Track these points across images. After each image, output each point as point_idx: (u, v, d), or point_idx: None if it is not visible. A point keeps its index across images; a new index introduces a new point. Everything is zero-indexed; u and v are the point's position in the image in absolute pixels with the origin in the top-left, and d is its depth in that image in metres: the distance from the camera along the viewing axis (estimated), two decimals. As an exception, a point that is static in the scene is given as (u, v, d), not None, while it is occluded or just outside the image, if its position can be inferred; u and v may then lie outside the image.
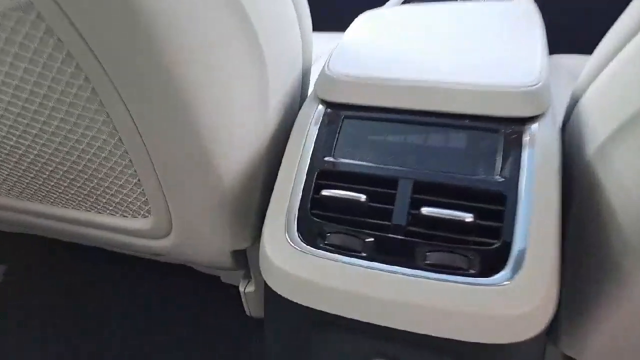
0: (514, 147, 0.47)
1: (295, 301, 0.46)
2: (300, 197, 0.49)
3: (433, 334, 0.42)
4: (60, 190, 0.57)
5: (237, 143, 0.49)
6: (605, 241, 0.44)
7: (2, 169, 0.57)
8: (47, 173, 0.54)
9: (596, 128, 0.46)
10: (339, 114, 0.53)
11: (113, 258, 0.93)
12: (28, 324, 0.96)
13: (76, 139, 0.48)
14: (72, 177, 0.54)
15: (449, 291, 0.42)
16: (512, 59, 0.52)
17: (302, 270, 0.45)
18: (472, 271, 0.42)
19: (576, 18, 1.13)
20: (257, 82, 0.49)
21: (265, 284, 0.49)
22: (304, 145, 0.52)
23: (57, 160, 0.52)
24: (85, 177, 0.53)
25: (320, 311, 0.45)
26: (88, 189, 0.55)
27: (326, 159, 0.50)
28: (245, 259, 0.65)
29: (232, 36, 0.44)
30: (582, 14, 1.12)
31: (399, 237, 0.45)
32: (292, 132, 0.54)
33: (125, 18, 0.36)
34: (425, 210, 0.45)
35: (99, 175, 0.52)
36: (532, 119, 0.48)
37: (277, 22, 0.51)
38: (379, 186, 0.47)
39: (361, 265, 0.44)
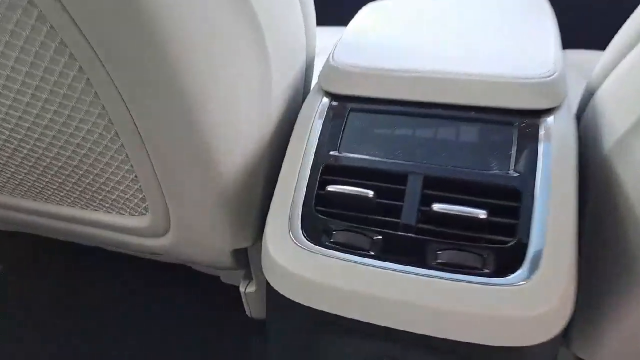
0: (529, 141, 0.45)
1: (298, 302, 0.45)
2: (304, 193, 0.48)
3: (444, 337, 0.41)
4: (54, 187, 0.56)
5: (238, 137, 0.48)
6: (623, 235, 0.43)
7: None
8: (40, 169, 0.53)
9: (614, 121, 0.44)
10: (345, 107, 0.52)
11: (110, 257, 0.93)
12: (23, 325, 0.95)
13: (70, 132, 0.47)
14: (66, 173, 0.53)
15: (461, 292, 0.40)
16: (524, 49, 0.51)
17: (306, 269, 0.44)
18: (486, 271, 0.41)
19: (578, 14, 1.13)
20: (260, 75, 0.48)
21: (268, 284, 0.48)
22: (308, 139, 0.51)
23: (51, 155, 0.51)
24: (81, 173, 0.52)
25: (325, 312, 0.44)
26: (83, 186, 0.54)
27: (331, 153, 0.49)
28: (246, 258, 0.64)
29: (235, 27, 0.43)
30: (584, 10, 1.12)
31: (409, 235, 0.44)
32: (295, 126, 0.53)
33: (125, 8, 0.35)
34: (436, 206, 0.43)
35: (95, 171, 0.52)
36: (547, 112, 0.47)
37: (280, 14, 0.50)
38: (388, 182, 0.46)
39: (368, 265, 0.43)
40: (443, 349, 0.43)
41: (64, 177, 0.54)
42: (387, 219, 0.45)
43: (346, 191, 0.46)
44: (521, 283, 0.40)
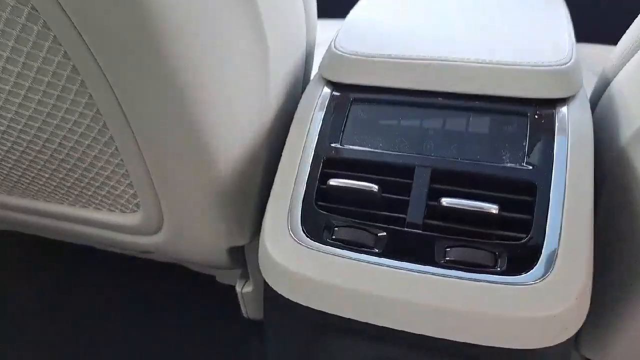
0: (543, 132, 0.45)
1: (297, 302, 0.44)
2: (304, 187, 0.47)
3: (453, 339, 0.40)
4: (41, 183, 0.55)
5: (234, 129, 0.47)
6: (639, 229, 0.42)
7: None
8: (26, 163, 0.52)
9: (632, 112, 0.44)
10: (347, 96, 0.51)
11: (102, 257, 0.92)
12: (15, 325, 0.95)
13: (56, 123, 0.46)
14: (53, 167, 0.52)
15: (472, 291, 0.39)
16: (537, 36, 0.50)
17: (306, 267, 0.43)
18: (498, 269, 0.40)
19: (581, 8, 1.14)
20: (257, 63, 0.47)
21: (265, 283, 0.47)
22: (309, 130, 0.49)
23: (37, 148, 0.49)
24: (68, 167, 0.51)
25: (326, 313, 0.43)
26: (71, 181, 0.53)
27: (333, 145, 0.48)
28: (243, 256, 0.63)
29: (232, 12, 0.42)
30: (588, 4, 1.12)
31: (416, 231, 0.43)
32: (294, 117, 0.52)
33: None
34: (444, 201, 0.42)
35: (83, 166, 0.50)
36: (562, 101, 0.46)
37: (280, 0, 0.49)
38: (393, 175, 0.45)
39: (373, 263, 0.42)
40: (452, 352, 0.42)
41: (50, 171, 0.53)
42: (392, 214, 0.44)
43: (349, 185, 0.45)
44: (536, 282, 0.39)
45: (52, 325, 0.94)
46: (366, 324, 0.42)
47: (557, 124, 0.45)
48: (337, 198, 0.46)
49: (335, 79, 0.52)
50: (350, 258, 0.42)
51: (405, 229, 0.43)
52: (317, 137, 0.49)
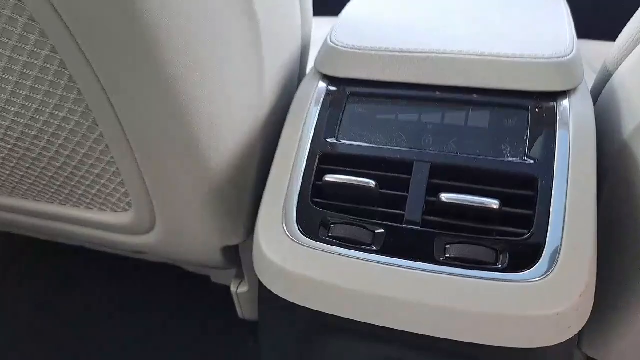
0: (545, 126, 0.44)
1: (293, 302, 0.44)
2: (299, 183, 0.46)
3: (454, 339, 0.40)
4: (30, 182, 0.55)
5: (227, 124, 0.46)
6: None
7: None
8: (14, 162, 0.52)
9: (635, 104, 0.43)
10: (344, 91, 0.50)
11: (95, 257, 0.92)
12: (7, 327, 0.95)
13: (44, 120, 0.45)
14: (42, 165, 0.51)
15: (472, 289, 0.39)
16: (537, 29, 0.50)
17: (301, 266, 0.43)
18: (499, 266, 0.40)
19: (578, 6, 1.14)
20: (252, 56, 0.46)
21: (260, 283, 0.46)
22: (304, 125, 0.49)
23: (25, 146, 0.49)
24: (58, 165, 0.51)
25: (323, 313, 0.43)
26: (61, 180, 0.53)
27: (329, 140, 0.48)
28: (238, 256, 0.63)
29: (225, 2, 0.41)
30: (587, 1, 1.13)
31: (414, 228, 0.43)
32: (289, 112, 0.51)
33: None
34: (444, 196, 0.42)
35: (73, 164, 0.50)
36: (563, 94, 0.46)
37: None
38: (391, 170, 0.45)
39: (370, 261, 0.42)
40: (452, 352, 0.42)
41: (39, 170, 0.52)
42: (390, 210, 0.44)
43: (346, 181, 0.45)
44: (538, 279, 0.38)
45: (44, 327, 0.94)
46: (364, 323, 0.42)
47: (558, 117, 0.44)
48: (334, 194, 0.45)
49: (332, 73, 0.51)
50: (347, 256, 0.42)
51: (404, 225, 0.43)
52: (312, 132, 0.49)
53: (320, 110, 0.50)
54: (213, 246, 0.56)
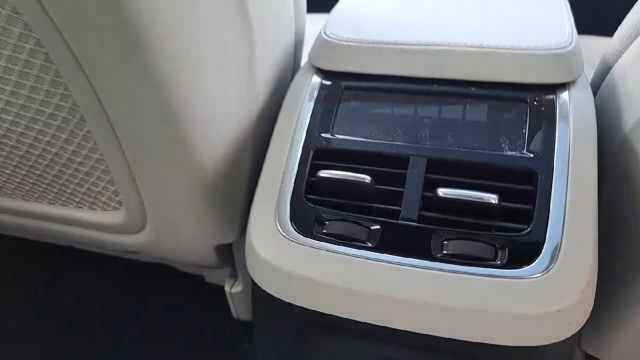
0: (544, 119, 0.44)
1: (287, 301, 0.43)
2: (293, 179, 0.46)
3: (452, 337, 0.40)
4: (17, 180, 0.54)
5: (219, 120, 0.46)
6: None
7: None
8: (0, 160, 0.51)
9: (636, 98, 0.43)
10: (338, 84, 0.50)
11: (87, 257, 0.91)
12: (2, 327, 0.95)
13: (30, 116, 0.44)
14: (30, 163, 0.50)
15: (471, 286, 0.38)
16: (536, 20, 0.50)
17: (295, 264, 0.42)
18: (498, 262, 0.39)
19: (577, 1, 1.15)
20: (243, 49, 0.46)
21: (253, 282, 0.46)
22: (297, 120, 0.49)
23: (11, 143, 0.48)
24: (45, 163, 0.50)
25: (317, 312, 0.43)
26: (50, 178, 0.52)
27: (323, 135, 0.47)
28: (231, 255, 0.63)
29: None
30: None
31: (411, 224, 0.42)
32: (282, 106, 0.51)
33: None
34: (441, 191, 0.42)
35: (61, 161, 0.49)
36: (563, 87, 0.45)
37: None
38: (387, 166, 0.45)
39: (366, 258, 0.41)
40: (450, 350, 0.41)
41: (26, 168, 0.51)
42: (386, 206, 0.43)
43: (340, 177, 0.44)
44: (538, 275, 0.38)
45: (36, 328, 0.94)
46: (360, 322, 0.41)
47: (558, 110, 0.44)
48: (328, 190, 0.45)
49: (326, 66, 0.51)
50: (342, 253, 0.42)
51: (400, 221, 0.42)
52: (306, 127, 0.48)
53: (314, 105, 0.49)
54: (206, 245, 0.56)
